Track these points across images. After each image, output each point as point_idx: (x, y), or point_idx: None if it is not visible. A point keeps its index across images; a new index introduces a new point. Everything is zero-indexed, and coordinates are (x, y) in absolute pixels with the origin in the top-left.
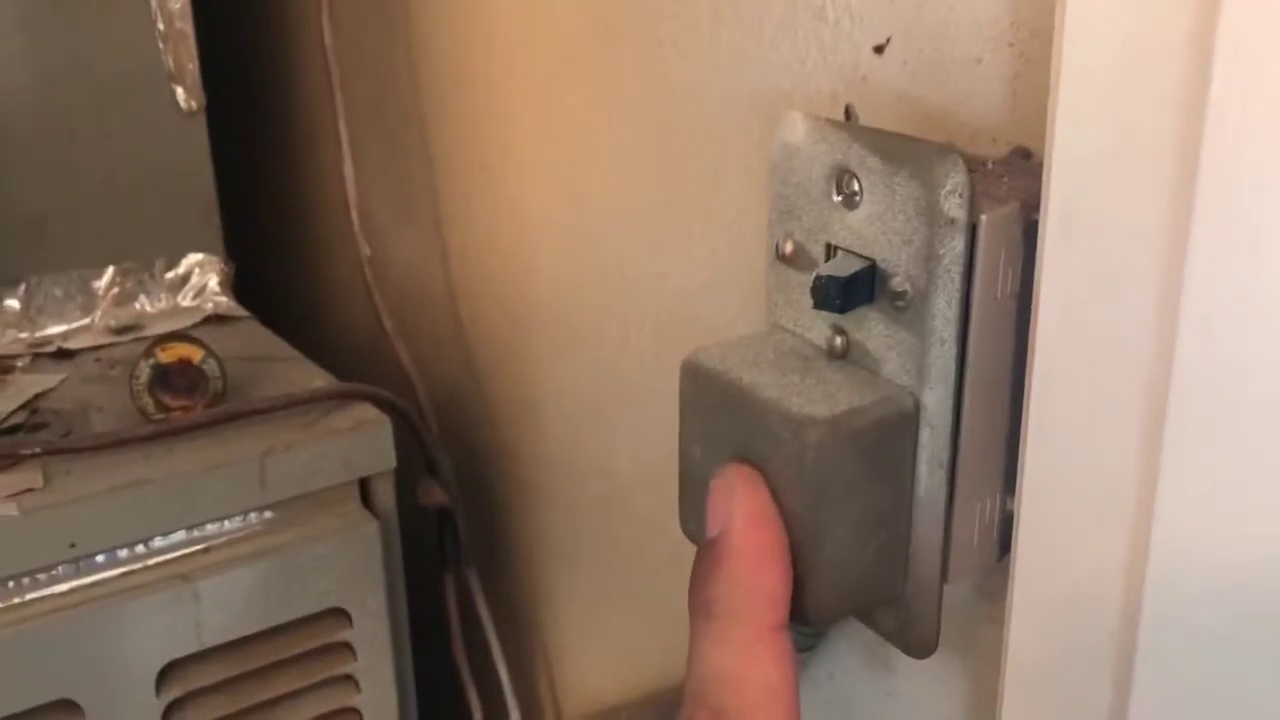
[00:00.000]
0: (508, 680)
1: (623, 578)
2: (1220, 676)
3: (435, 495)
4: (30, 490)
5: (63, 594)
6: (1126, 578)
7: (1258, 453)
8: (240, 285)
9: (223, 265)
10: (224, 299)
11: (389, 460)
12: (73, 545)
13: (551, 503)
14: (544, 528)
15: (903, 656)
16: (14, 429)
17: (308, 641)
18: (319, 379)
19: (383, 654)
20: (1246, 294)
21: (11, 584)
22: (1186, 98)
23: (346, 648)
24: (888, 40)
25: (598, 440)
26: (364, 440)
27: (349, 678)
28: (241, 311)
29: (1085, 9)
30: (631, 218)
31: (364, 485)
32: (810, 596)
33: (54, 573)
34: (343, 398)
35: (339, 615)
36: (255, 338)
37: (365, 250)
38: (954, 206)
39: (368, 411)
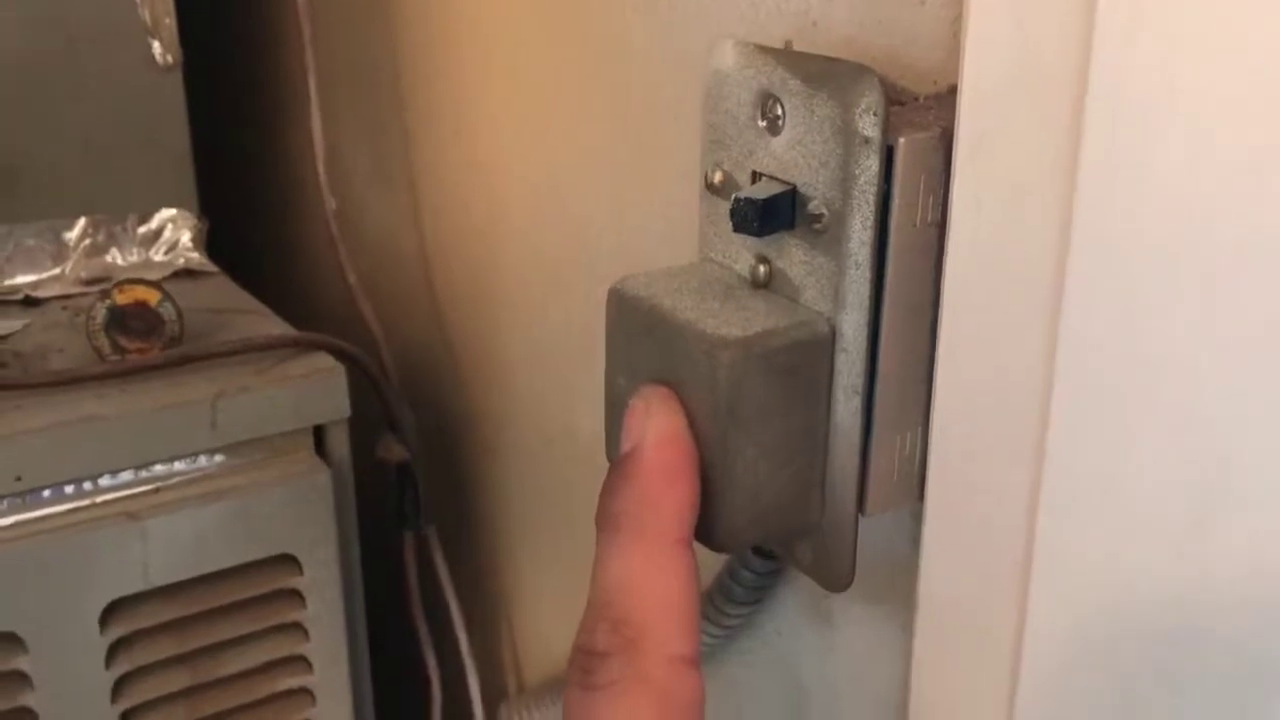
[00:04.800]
0: (465, 640)
1: (586, 540)
2: (1114, 615)
3: (395, 451)
4: None
5: (7, 527)
6: (1027, 510)
7: (1143, 381)
8: (217, 242)
9: (196, 221)
10: (195, 254)
11: (343, 409)
12: (19, 479)
13: (517, 464)
14: (510, 489)
15: (845, 611)
16: None
17: (256, 587)
18: (282, 330)
19: (333, 603)
20: (1134, 213)
21: None
22: (1083, 14)
23: (296, 595)
24: None
25: (562, 400)
26: (317, 387)
27: (298, 625)
28: (212, 267)
29: None
30: (596, 177)
31: (319, 434)
32: (720, 519)
33: None
34: (299, 346)
35: (289, 562)
36: (224, 292)
37: (331, 204)
38: (869, 125)
39: (325, 361)
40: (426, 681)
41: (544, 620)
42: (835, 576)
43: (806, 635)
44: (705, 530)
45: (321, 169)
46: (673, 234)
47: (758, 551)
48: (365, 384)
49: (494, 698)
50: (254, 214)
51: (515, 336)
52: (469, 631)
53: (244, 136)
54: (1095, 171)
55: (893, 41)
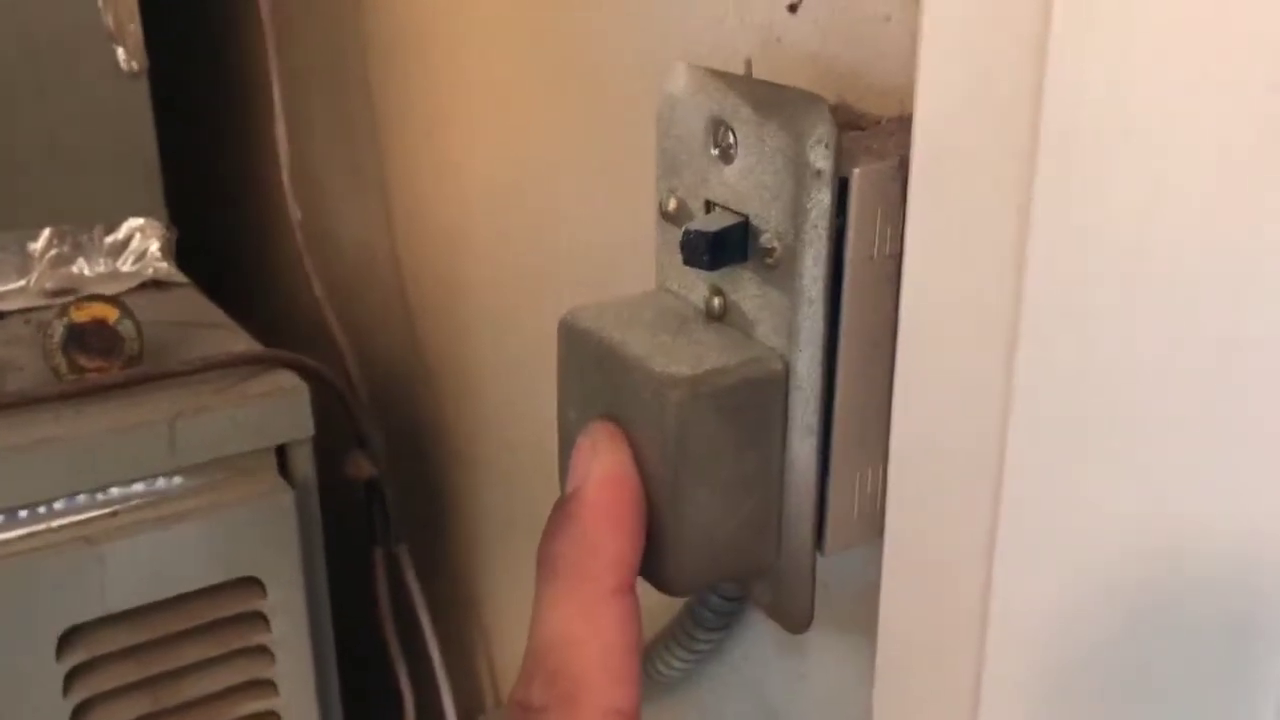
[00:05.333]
0: (438, 657)
1: None
2: (1070, 655)
3: (363, 468)
4: None
5: None
6: (985, 553)
7: (1101, 415)
8: (190, 252)
9: (164, 230)
10: (164, 265)
11: (306, 428)
12: None
13: (489, 478)
14: (482, 504)
15: (817, 639)
16: None
17: (219, 610)
18: (245, 346)
19: (299, 625)
20: (1088, 239)
21: None
22: (1036, 44)
23: (260, 618)
24: None
25: (534, 410)
26: (280, 406)
27: (264, 649)
28: (181, 278)
29: None
30: (566, 184)
31: (283, 454)
32: (670, 561)
33: None
34: (262, 363)
35: (253, 584)
36: (190, 304)
37: (296, 214)
38: (820, 157)
39: (288, 378)
40: (400, 700)
41: (518, 635)
42: (794, 618)
43: (776, 663)
44: (656, 573)
45: (286, 178)
46: (647, 244)
47: None
48: (331, 399)
49: (469, 715)
50: (226, 223)
51: (486, 345)
52: (442, 649)
53: (215, 144)
54: (1050, 199)
55: (857, 58)
